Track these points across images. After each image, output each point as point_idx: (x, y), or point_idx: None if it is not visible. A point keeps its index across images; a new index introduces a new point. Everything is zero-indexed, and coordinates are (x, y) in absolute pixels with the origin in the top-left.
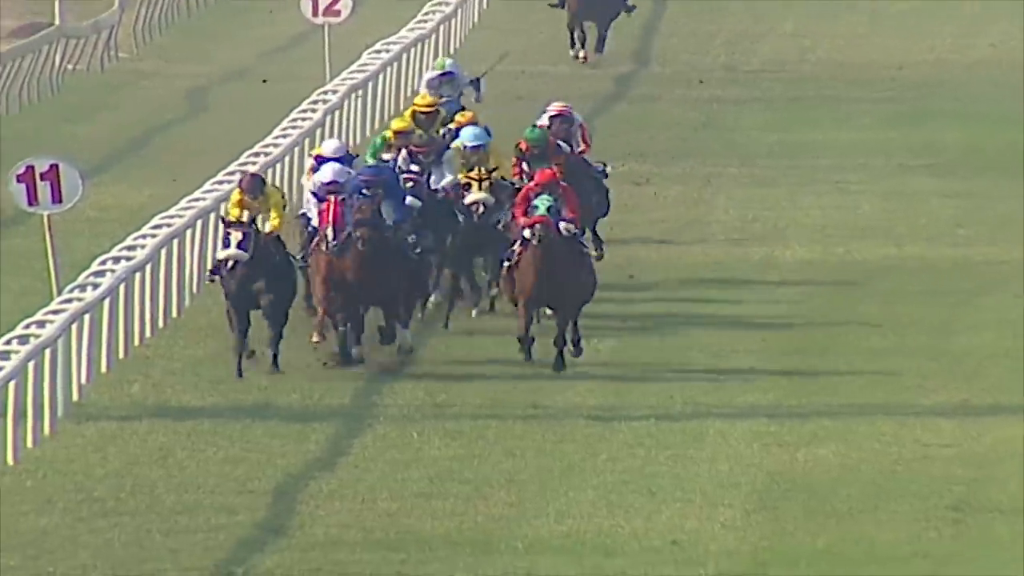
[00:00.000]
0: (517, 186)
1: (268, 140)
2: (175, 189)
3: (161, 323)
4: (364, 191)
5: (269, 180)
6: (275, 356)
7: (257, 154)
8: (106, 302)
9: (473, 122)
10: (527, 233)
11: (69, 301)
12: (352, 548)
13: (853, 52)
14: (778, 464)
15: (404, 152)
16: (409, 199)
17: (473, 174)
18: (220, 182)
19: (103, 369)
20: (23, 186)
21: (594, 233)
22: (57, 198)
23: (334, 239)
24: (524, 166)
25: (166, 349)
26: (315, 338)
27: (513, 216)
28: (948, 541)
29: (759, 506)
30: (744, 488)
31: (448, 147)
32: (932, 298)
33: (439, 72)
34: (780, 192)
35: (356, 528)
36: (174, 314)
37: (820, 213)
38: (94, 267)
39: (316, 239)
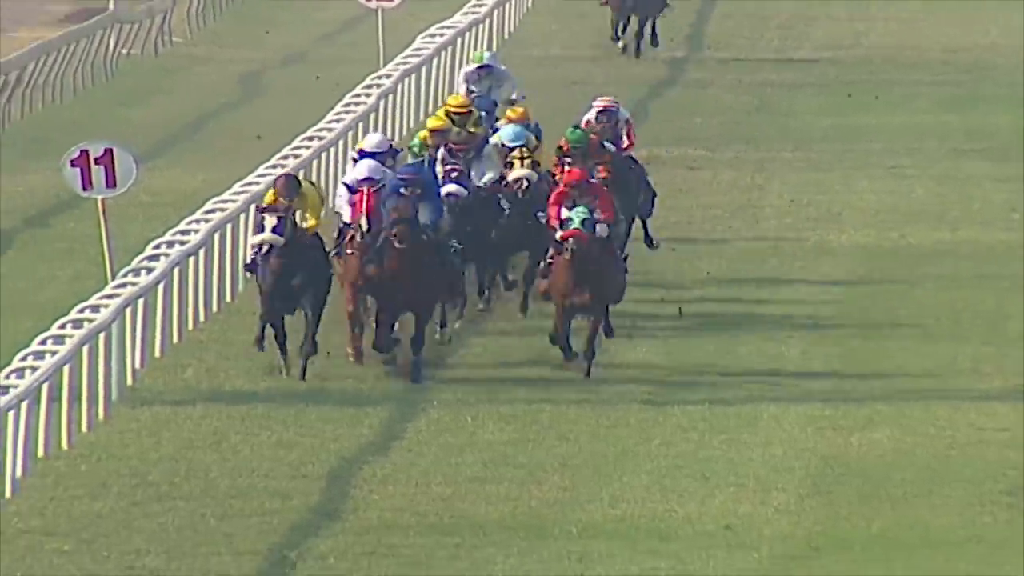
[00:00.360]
0: (557, 179)
1: (321, 124)
2: (229, 174)
3: (215, 307)
4: (401, 190)
5: (323, 162)
6: (312, 342)
7: (311, 138)
8: (160, 287)
9: (524, 118)
10: (560, 235)
11: (123, 286)
12: (406, 532)
13: (906, 36)
14: (832, 448)
15: (443, 150)
16: (455, 187)
17: (515, 153)
18: (273, 167)
19: (157, 354)
20: (77, 170)
21: (645, 230)
22: (111, 182)
23: (368, 229)
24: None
25: (220, 334)
26: (349, 351)
27: (549, 216)
28: (1003, 526)
29: (813, 490)
30: (798, 472)
31: (487, 141)
32: (986, 282)
33: (477, 65)
34: (834, 176)
35: (410, 512)
36: (228, 299)
37: (874, 197)
38: (148, 251)
39: (347, 236)
